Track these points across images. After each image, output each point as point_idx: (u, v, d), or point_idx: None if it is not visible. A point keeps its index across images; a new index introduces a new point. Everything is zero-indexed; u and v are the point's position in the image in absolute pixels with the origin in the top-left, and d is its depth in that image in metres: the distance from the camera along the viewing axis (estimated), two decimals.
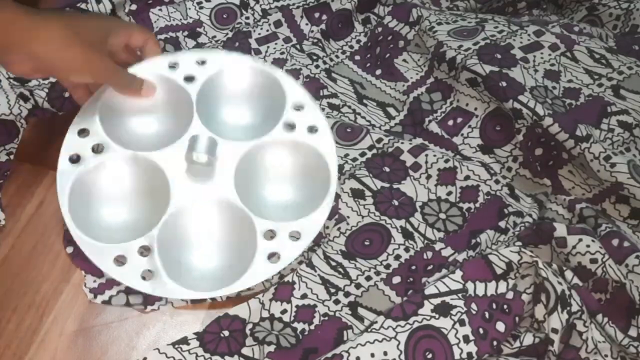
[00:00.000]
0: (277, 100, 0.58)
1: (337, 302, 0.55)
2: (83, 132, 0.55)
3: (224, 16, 0.73)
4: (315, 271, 0.56)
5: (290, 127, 0.56)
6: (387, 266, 0.57)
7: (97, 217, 0.54)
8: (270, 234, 0.52)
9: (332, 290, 0.55)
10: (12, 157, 0.60)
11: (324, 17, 0.74)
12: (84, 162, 0.53)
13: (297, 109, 0.57)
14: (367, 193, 0.61)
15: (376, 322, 0.51)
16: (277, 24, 0.73)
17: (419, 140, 0.65)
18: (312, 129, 0.56)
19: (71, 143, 0.54)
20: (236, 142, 0.55)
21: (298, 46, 0.72)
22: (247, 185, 0.55)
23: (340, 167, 0.62)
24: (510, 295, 0.53)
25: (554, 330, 0.50)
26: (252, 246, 0.51)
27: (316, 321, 0.53)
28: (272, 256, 0.51)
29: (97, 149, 0.54)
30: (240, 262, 0.52)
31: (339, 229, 0.59)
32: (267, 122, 0.57)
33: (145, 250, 0.51)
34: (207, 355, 0.52)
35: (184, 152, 0.54)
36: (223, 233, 0.54)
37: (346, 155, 0.63)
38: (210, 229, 0.54)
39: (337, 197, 0.60)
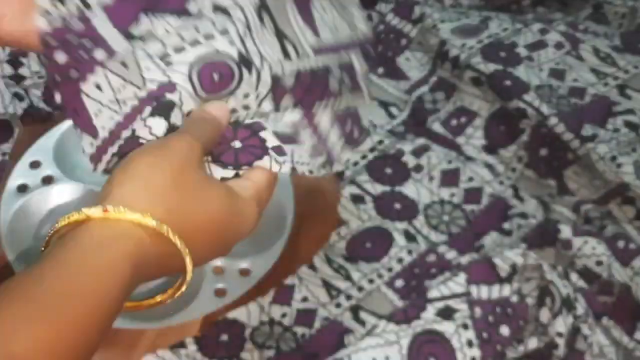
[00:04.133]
0: None
1: (338, 305, 0.54)
2: (35, 165, 0.57)
3: None
4: (317, 273, 0.56)
5: None
6: (390, 269, 0.56)
7: (36, 246, 0.55)
8: (220, 269, 0.54)
9: (334, 293, 0.55)
10: (7, 157, 0.60)
11: None
12: (31, 192, 0.55)
13: None
14: (368, 198, 0.60)
15: (377, 326, 0.50)
16: None
17: (421, 141, 0.64)
18: None
19: (20, 173, 0.56)
20: None
21: None
22: None
23: (341, 173, 0.62)
24: (514, 298, 0.52)
25: (559, 334, 0.50)
26: (199, 280, 0.53)
27: (317, 325, 0.53)
28: (219, 291, 0.53)
29: (47, 181, 0.56)
30: (185, 296, 0.52)
31: (338, 233, 0.58)
32: None
33: None
34: None
35: None
36: None
37: (347, 159, 0.62)
38: None
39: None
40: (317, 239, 0.58)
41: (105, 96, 0.40)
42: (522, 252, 0.53)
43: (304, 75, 0.44)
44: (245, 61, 0.41)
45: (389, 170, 0.62)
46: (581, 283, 0.53)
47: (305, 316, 0.53)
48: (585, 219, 0.57)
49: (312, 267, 0.56)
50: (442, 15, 0.69)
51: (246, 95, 0.42)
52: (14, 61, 0.63)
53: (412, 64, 0.69)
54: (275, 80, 0.42)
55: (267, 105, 0.43)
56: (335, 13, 0.49)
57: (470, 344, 0.49)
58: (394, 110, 0.67)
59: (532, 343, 0.51)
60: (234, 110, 0.42)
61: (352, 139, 0.48)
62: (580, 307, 0.51)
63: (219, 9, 0.42)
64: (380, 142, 0.63)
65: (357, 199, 0.60)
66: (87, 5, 0.39)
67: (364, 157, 0.62)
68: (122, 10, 0.40)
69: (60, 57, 0.39)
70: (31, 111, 0.61)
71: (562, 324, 0.50)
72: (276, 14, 0.46)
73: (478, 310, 0.51)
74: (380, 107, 0.67)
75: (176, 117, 0.40)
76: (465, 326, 0.50)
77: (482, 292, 0.52)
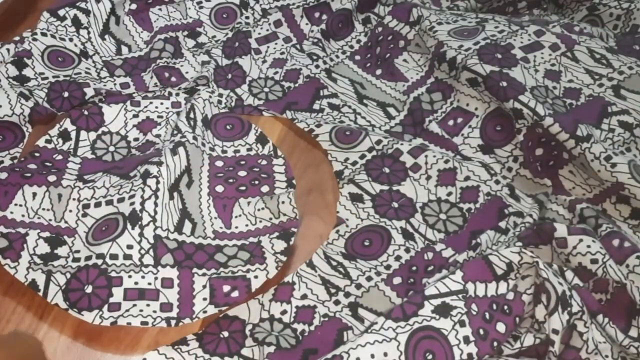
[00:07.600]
0: None
1: (337, 302, 0.55)
2: None
3: (224, 16, 0.73)
4: (316, 271, 0.56)
5: None
6: (388, 267, 0.57)
7: None
8: None
9: (333, 291, 0.55)
10: (15, 161, 0.60)
11: (324, 17, 0.74)
12: None
13: None
14: (366, 197, 0.61)
15: (376, 322, 0.51)
16: (277, 23, 0.73)
17: (418, 141, 0.65)
18: None
19: None
20: None
21: (298, 46, 0.72)
22: None
23: (340, 172, 0.62)
24: (510, 295, 0.53)
25: (555, 331, 0.50)
26: None
27: (316, 322, 0.53)
28: None
29: None
30: None
31: (337, 231, 0.59)
32: None
33: None
34: (207, 356, 0.51)
35: None
36: None
37: (346, 159, 0.63)
38: None
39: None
40: (316, 237, 0.59)
41: None
42: (518, 250, 0.53)
43: (188, 246, 0.54)
44: (132, 217, 0.52)
45: (387, 170, 0.62)
46: (576, 281, 0.53)
47: (305, 313, 0.54)
48: (580, 218, 0.58)
49: (312, 265, 0.57)
50: (439, 18, 0.70)
51: (129, 247, 0.51)
52: (18, 62, 0.63)
53: (410, 65, 0.70)
54: (156, 239, 0.52)
55: (149, 259, 0.52)
56: (260, 204, 0.58)
57: (467, 340, 0.50)
58: (392, 110, 0.68)
59: (528, 340, 0.51)
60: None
61: (219, 303, 0.53)
62: (576, 305, 0.51)
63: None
64: (379, 142, 0.63)
65: (355, 198, 0.61)
66: None
67: (362, 156, 0.63)
68: None
69: None
70: (37, 108, 0.61)
71: (557, 321, 0.50)
72: (187, 198, 0.56)
73: (475, 307, 0.51)
74: (379, 107, 0.68)
75: None
76: (462, 323, 0.50)
77: (479, 289, 0.52)
